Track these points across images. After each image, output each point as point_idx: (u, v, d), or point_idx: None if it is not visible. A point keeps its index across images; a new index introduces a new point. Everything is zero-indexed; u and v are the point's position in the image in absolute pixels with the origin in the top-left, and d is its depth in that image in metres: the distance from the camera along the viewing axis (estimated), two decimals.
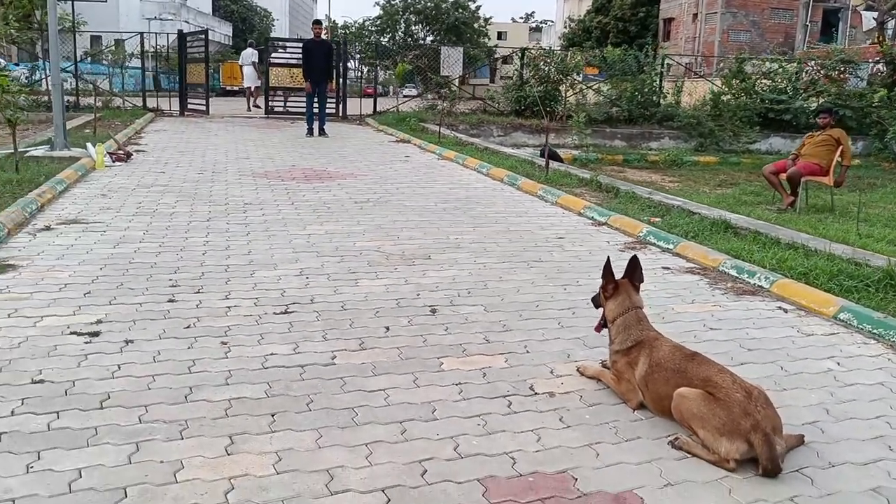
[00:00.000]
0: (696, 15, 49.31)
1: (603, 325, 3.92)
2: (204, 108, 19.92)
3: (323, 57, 15.70)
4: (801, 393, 3.88)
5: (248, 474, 2.87)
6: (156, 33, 24.35)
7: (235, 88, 35.94)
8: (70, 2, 14.84)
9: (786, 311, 5.27)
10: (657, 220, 7.94)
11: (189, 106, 20.24)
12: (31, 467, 2.84)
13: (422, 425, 3.33)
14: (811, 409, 3.70)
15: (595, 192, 9.81)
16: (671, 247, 6.91)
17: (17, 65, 20.12)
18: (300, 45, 18.04)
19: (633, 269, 3.86)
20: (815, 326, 4.97)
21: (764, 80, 22.09)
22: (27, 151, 10.15)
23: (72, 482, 2.76)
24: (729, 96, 20.99)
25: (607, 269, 3.88)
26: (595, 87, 21.31)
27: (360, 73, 29.30)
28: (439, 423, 3.37)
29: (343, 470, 2.93)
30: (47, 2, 10.99)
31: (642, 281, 3.90)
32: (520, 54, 21.35)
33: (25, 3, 15.96)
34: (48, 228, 6.57)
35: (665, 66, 22.55)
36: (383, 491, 2.81)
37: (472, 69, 26.37)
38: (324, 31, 16.41)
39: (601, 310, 3.94)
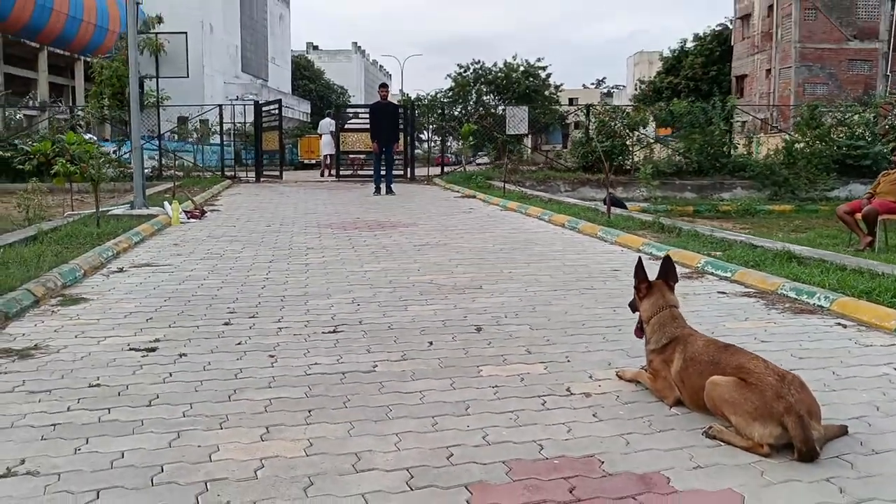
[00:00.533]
0: (769, 70, 48.88)
1: (641, 328, 3.90)
2: (278, 174, 20.75)
3: (389, 118, 16.25)
4: (851, 393, 3.76)
5: (279, 456, 2.97)
6: (233, 103, 25.65)
7: (313, 161, 37.33)
8: (155, 79, 15.74)
9: (845, 326, 5.11)
10: (717, 253, 7.82)
11: (264, 173, 21.14)
12: (79, 450, 3.01)
13: (453, 419, 3.38)
14: (860, 406, 3.57)
15: (657, 233, 9.74)
16: (729, 275, 6.79)
17: (107, 141, 21.51)
18: (367, 109, 18.73)
19: (667, 269, 3.86)
20: (875, 338, 4.80)
21: (840, 128, 21.65)
22: (108, 210, 10.79)
23: (113, 461, 2.91)
24: (802, 144, 20.61)
25: (640, 270, 3.89)
26: (662, 141, 21.26)
27: (431, 144, 29.88)
28: (471, 417, 3.41)
29: (371, 454, 3.00)
30: (129, 77, 11.82)
31: (676, 281, 3.89)
32: (585, 111, 21.54)
33: (115, 81, 17.14)
34: (121, 270, 6.95)
35: (733, 115, 22.36)
36: (407, 470, 2.85)
37: (542, 132, 26.69)
38: (390, 95, 16.98)
39: (638, 314, 3.94)
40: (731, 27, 53.46)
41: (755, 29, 50.28)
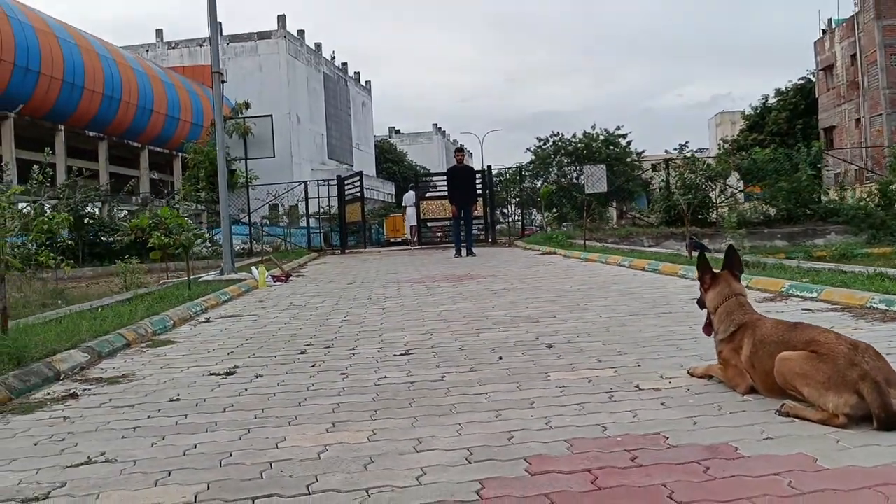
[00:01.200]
0: (858, 120, 47.48)
1: (709, 323, 3.82)
2: (363, 244, 21.35)
3: (466, 180, 16.55)
4: None
5: (343, 443, 3.02)
6: (318, 180, 26.61)
7: (399, 240, 38.15)
8: (244, 160, 16.57)
9: None
10: (805, 280, 7.56)
11: (349, 243, 21.79)
12: (155, 444, 3.14)
13: (517, 412, 3.36)
14: None
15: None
16: (815, 295, 6.56)
17: (201, 223, 22.68)
18: (444, 175, 19.16)
19: (732, 259, 3.80)
20: None
21: None
22: (199, 277, 11.29)
23: (186, 451, 3.02)
24: None
25: (702, 261, 3.84)
26: (749, 197, 20.82)
27: (513, 217, 29.87)
28: (535, 409, 3.39)
29: (432, 439, 3.02)
30: (217, 148, 12.53)
31: (742, 271, 3.82)
32: (665, 164, 21.39)
33: (207, 164, 18.13)
34: (208, 321, 7.25)
35: (821, 160, 21.73)
36: (467, 449, 2.85)
37: (626, 199, 26.40)
38: (466, 157, 17.32)
39: (706, 310, 3.86)
40: (813, 80, 52.40)
41: (840, 79, 49.15)
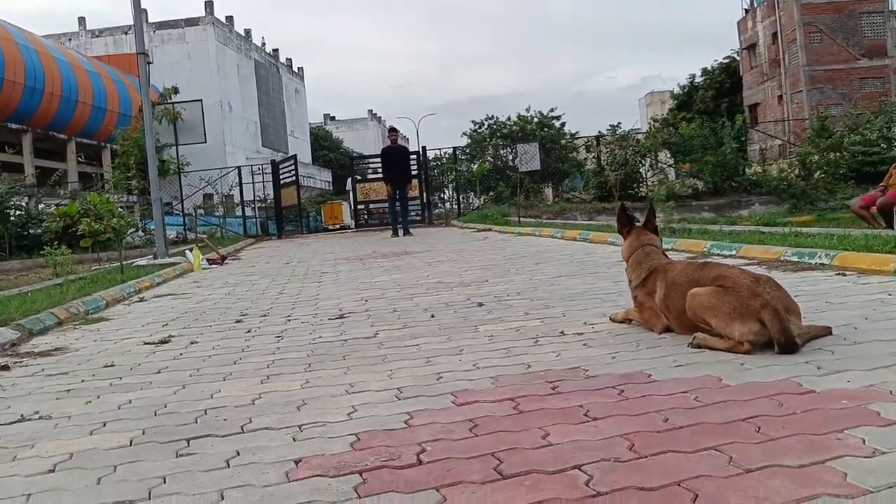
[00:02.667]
0: (780, 97, 49.05)
1: None
2: (299, 230, 21.25)
3: (400, 161, 16.63)
4: (842, 311, 3.81)
5: (277, 391, 3.10)
6: (251, 164, 26.26)
7: (337, 227, 37.95)
8: (175, 147, 16.31)
9: (844, 275, 5.15)
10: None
11: (287, 230, 21.64)
12: (89, 402, 3.17)
13: (447, 358, 3.49)
14: (850, 318, 3.63)
15: (668, 235, 9.80)
16: (734, 252, 6.87)
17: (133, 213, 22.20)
18: (379, 156, 19.16)
19: (649, 215, 4.05)
20: (873, 279, 4.85)
21: (853, 136, 21.61)
22: (133, 262, 11.12)
23: (121, 405, 3.06)
24: (817, 156, 20.58)
25: (622, 215, 4.07)
26: (671, 164, 21.38)
27: (451, 203, 29.87)
28: (464, 355, 3.52)
29: (364, 383, 3.12)
30: (146, 140, 12.35)
31: (656, 226, 4.06)
32: (594, 141, 21.81)
33: (136, 151, 17.76)
34: (142, 300, 7.19)
35: (745, 134, 22.44)
36: (397, 389, 2.97)
37: (562, 180, 26.66)
38: (400, 138, 17.37)
39: None
40: (738, 59, 53.87)
41: (762, 57, 50.65)
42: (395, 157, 16.61)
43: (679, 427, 2.23)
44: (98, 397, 3.25)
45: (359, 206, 23.02)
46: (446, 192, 30.28)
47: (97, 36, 48.00)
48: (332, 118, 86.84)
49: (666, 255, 3.94)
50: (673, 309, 3.53)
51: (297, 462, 2.18)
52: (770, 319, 3.01)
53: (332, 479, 2.02)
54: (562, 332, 3.87)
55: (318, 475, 2.06)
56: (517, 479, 1.93)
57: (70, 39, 46.85)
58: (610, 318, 4.08)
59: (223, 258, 11.74)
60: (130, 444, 2.51)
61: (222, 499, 1.95)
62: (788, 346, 2.98)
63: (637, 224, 4.04)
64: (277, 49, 59.67)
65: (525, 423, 2.39)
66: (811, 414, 2.27)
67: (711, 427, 2.21)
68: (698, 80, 55.02)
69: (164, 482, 2.11)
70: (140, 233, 18.24)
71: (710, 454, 2.00)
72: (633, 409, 2.45)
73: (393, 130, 17.20)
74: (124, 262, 10.40)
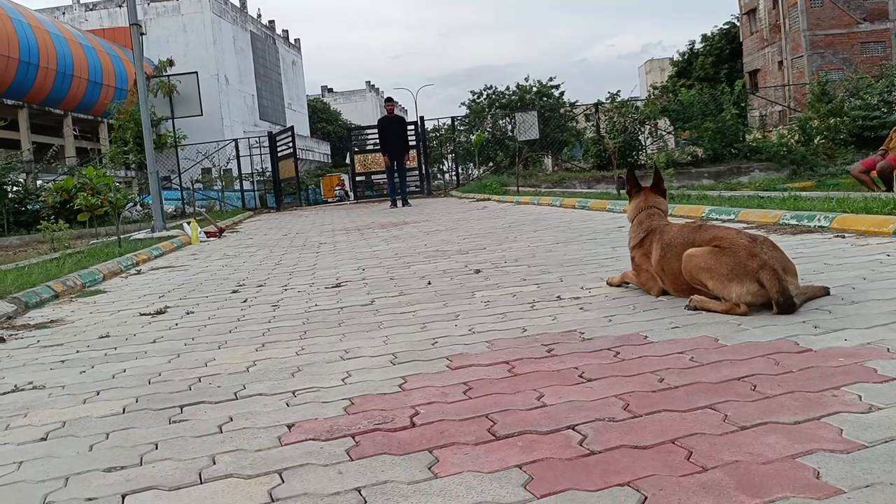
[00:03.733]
0: (781, 62, 48.65)
1: None
2: (298, 203, 21.19)
3: (398, 131, 16.51)
4: (841, 273, 3.78)
5: (272, 358, 3.09)
6: (248, 136, 26.08)
7: (336, 199, 37.84)
8: (170, 120, 16.20)
9: (844, 237, 5.12)
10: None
11: (285, 201, 21.58)
12: (84, 372, 3.16)
13: (442, 323, 3.47)
14: (848, 278, 3.61)
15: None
16: (732, 217, 6.83)
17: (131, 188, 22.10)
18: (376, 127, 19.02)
19: (657, 179, 4.01)
20: (871, 240, 4.82)
21: (853, 100, 21.46)
22: (130, 236, 11.10)
23: (115, 374, 3.05)
24: (817, 121, 20.45)
25: (631, 178, 4.04)
26: (670, 131, 21.24)
27: (450, 174, 29.71)
28: (460, 320, 3.50)
29: (359, 349, 3.10)
30: (141, 113, 12.24)
31: (665, 190, 4.01)
32: (593, 109, 21.65)
33: (133, 125, 17.62)
34: (139, 273, 7.17)
35: (745, 100, 22.27)
36: (392, 354, 2.95)
37: (561, 149, 26.44)
38: (396, 108, 17.24)
39: None
40: (738, 24, 53.37)
41: (762, 22, 50.18)
42: (393, 127, 16.49)
43: (674, 387, 2.22)
44: (92, 367, 3.23)
45: (357, 178, 22.92)
46: (445, 162, 30.12)
47: (91, 9, 47.50)
48: (330, 90, 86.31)
49: (664, 219, 3.90)
50: (668, 271, 3.50)
51: (289, 427, 2.17)
52: (768, 280, 2.98)
53: (324, 443, 2.01)
54: (558, 297, 3.85)
55: (310, 439, 2.05)
56: (511, 440, 1.91)
57: (63, 13, 46.41)
58: (606, 282, 4.05)
59: (221, 231, 11.70)
60: (123, 412, 2.50)
61: (214, 463, 1.94)
62: (787, 306, 2.96)
63: (644, 187, 3.99)
64: (273, 20, 59.13)
65: (520, 386, 2.38)
66: (807, 372, 2.25)
67: (707, 386, 2.19)
68: (698, 46, 54.63)
69: (156, 448, 2.10)
70: (138, 207, 18.18)
71: (704, 413, 1.98)
72: (629, 371, 2.44)
73: (389, 100, 17.07)
74: (122, 237, 10.37)
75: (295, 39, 64.96)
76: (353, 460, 1.87)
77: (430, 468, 1.78)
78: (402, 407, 2.26)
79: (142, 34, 12.38)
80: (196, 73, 16.49)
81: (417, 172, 21.26)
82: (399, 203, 16.33)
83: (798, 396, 2.03)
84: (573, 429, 1.95)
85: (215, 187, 27.90)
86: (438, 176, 28.10)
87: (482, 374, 2.54)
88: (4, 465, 2.07)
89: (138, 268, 7.62)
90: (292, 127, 22.86)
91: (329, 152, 61.76)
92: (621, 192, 11.10)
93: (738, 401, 2.04)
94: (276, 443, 2.05)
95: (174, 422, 2.34)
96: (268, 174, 25.38)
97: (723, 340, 2.70)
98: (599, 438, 1.87)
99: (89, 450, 2.14)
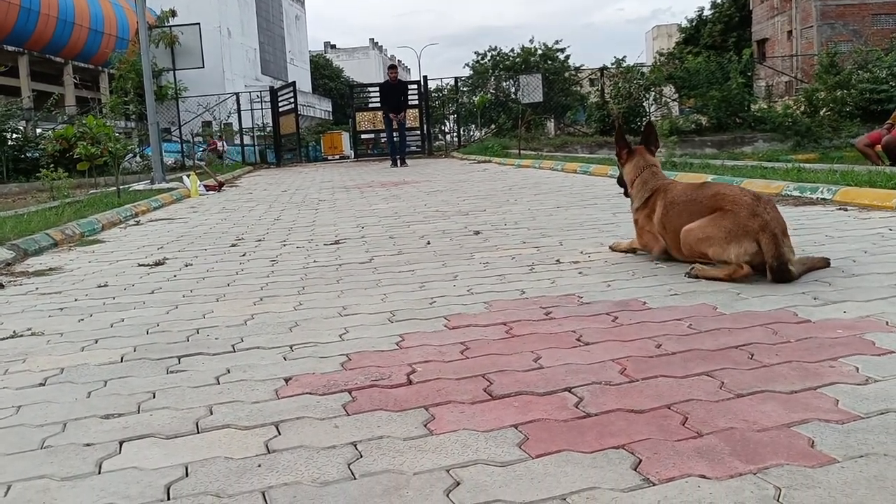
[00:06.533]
0: (790, 32, 48.12)
1: (627, 193, 3.94)
2: (299, 160, 21.10)
3: (399, 94, 16.45)
4: (843, 245, 3.77)
5: (269, 312, 3.09)
6: (249, 91, 25.87)
7: (337, 157, 37.66)
8: (172, 71, 16.04)
9: (846, 210, 5.10)
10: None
11: (285, 157, 21.50)
12: (82, 320, 3.16)
13: (440, 283, 3.47)
14: (850, 251, 3.60)
15: (669, 169, 9.71)
16: None
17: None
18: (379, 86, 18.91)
19: (648, 135, 3.92)
20: (874, 214, 4.81)
21: (861, 73, 21.24)
22: (129, 187, 11.06)
23: (113, 324, 3.05)
24: (824, 93, 20.27)
25: (620, 137, 3.96)
26: (675, 98, 21.07)
27: (452, 135, 29.54)
28: (458, 281, 3.50)
29: (357, 306, 3.10)
30: (143, 63, 12.10)
31: (658, 146, 3.95)
32: (599, 73, 21.45)
33: (133, 75, 17.43)
34: (138, 223, 7.16)
35: (752, 68, 22.06)
36: (390, 312, 2.95)
37: (564, 113, 26.22)
38: (400, 68, 17.12)
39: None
40: None
41: None
42: (394, 91, 16.44)
43: (672, 353, 2.22)
44: (90, 315, 3.24)
45: (362, 136, 22.85)
46: (447, 123, 29.88)
47: None
48: (333, 46, 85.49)
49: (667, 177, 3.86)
50: (670, 229, 3.47)
51: (286, 380, 2.18)
52: (767, 242, 2.97)
53: (320, 397, 2.02)
54: (558, 261, 3.84)
55: (307, 393, 2.06)
56: (507, 400, 1.92)
57: None
58: (611, 248, 4.03)
59: (221, 185, 11.65)
60: (121, 361, 2.50)
61: (210, 413, 1.95)
62: (781, 271, 2.95)
63: (636, 146, 3.93)
64: None
65: (517, 347, 2.38)
66: (805, 342, 2.25)
67: (704, 353, 2.20)
68: (707, 13, 53.96)
69: (154, 397, 2.10)
70: (138, 158, 18.08)
71: (701, 379, 1.98)
72: (626, 335, 2.44)
73: (393, 68, 16.95)
74: (121, 187, 10.33)
75: None
76: (349, 415, 1.88)
77: (425, 425, 1.78)
78: (398, 364, 2.26)
79: None
80: (198, 24, 16.28)
81: (419, 132, 21.12)
82: (399, 162, 16.27)
83: (795, 366, 2.04)
84: (569, 391, 1.95)
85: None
86: (440, 136, 27.90)
87: (480, 335, 2.55)
88: (4, 409, 2.08)
89: (137, 219, 7.60)
90: (294, 82, 22.68)
91: (330, 109, 61.28)
92: None
93: (734, 369, 2.04)
94: (272, 395, 2.05)
95: (172, 372, 2.34)
96: (268, 129, 25.21)
97: (721, 309, 2.70)
98: (595, 401, 1.87)
99: (87, 396, 2.15)
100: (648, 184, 3.70)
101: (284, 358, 2.41)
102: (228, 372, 2.29)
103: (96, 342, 2.77)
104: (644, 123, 20.23)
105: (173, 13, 18.11)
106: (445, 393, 1.99)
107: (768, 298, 2.79)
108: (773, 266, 2.94)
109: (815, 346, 2.21)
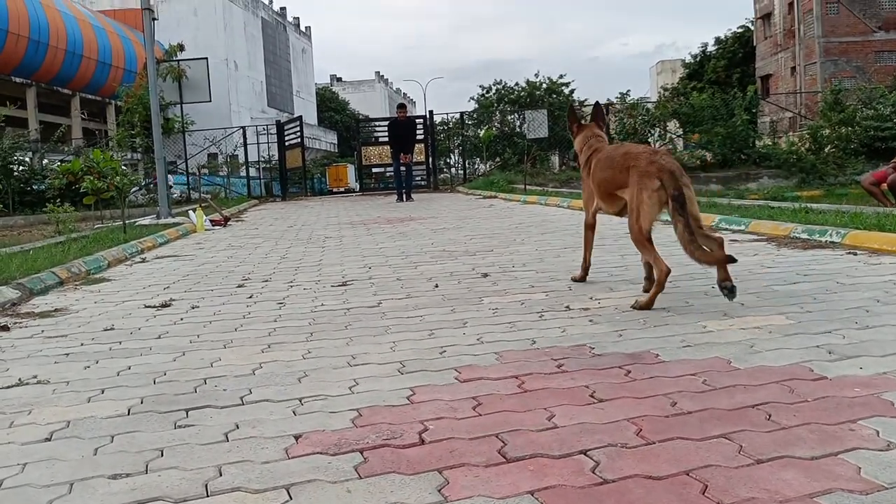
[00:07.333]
0: (794, 68, 48.42)
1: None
2: (304, 193, 21.18)
3: (407, 131, 16.60)
4: (854, 294, 3.73)
5: (278, 361, 3.06)
6: (256, 125, 26.04)
7: (342, 190, 37.80)
8: (179, 104, 16.17)
9: (856, 254, 5.07)
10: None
11: (290, 190, 21.60)
12: (88, 367, 3.13)
13: (450, 330, 3.44)
14: (863, 300, 3.56)
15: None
16: (743, 227, 6.79)
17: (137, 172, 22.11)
18: (386, 122, 19.07)
19: (597, 113, 4.56)
20: (884, 258, 4.77)
21: (865, 110, 21.34)
22: (135, 221, 11.08)
23: (120, 372, 3.02)
24: (828, 130, 20.34)
25: (571, 113, 4.65)
26: (680, 134, 21.16)
27: (457, 168, 29.62)
28: (468, 328, 3.47)
29: (366, 355, 3.08)
30: (150, 97, 12.19)
31: (605, 123, 4.61)
32: (605, 110, 21.54)
33: (141, 109, 17.59)
34: (144, 261, 7.15)
35: (756, 105, 22.16)
36: (400, 362, 2.92)
37: (569, 148, 26.30)
38: (407, 103, 17.29)
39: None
40: (752, 28, 53.09)
41: (777, 27, 49.93)
42: (403, 127, 16.58)
43: (688, 412, 2.19)
44: (97, 362, 3.21)
45: (372, 171, 23.09)
46: (452, 157, 29.98)
47: None
48: (339, 79, 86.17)
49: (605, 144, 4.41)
50: (595, 180, 4.11)
51: (296, 437, 2.14)
52: (666, 178, 3.56)
53: (332, 457, 1.98)
54: (567, 307, 3.82)
55: (318, 452, 2.02)
56: (522, 463, 1.88)
57: None
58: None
59: (227, 220, 11.67)
60: (128, 413, 2.47)
61: (220, 475, 1.91)
62: (680, 199, 3.51)
63: (586, 123, 4.47)
64: (285, 7, 58.99)
65: (530, 403, 2.35)
66: (823, 402, 2.21)
67: (721, 413, 2.16)
68: (711, 49, 54.35)
69: (162, 455, 2.07)
70: (143, 191, 18.16)
71: (719, 442, 1.95)
72: (641, 391, 2.40)
73: (402, 107, 17.08)
74: (127, 221, 10.36)
75: (306, 27, 64.82)
76: (361, 478, 1.85)
77: (439, 490, 1.75)
78: (410, 421, 2.23)
79: (153, 19, 12.34)
80: (206, 59, 16.44)
81: (424, 167, 21.21)
82: (405, 197, 16.32)
83: (814, 428, 2.00)
84: (585, 454, 1.92)
85: (220, 173, 27.88)
86: (445, 169, 28.00)
87: (491, 389, 2.51)
88: (9, 467, 2.04)
89: (143, 255, 7.60)
90: (300, 117, 22.81)
91: (336, 142, 61.61)
92: None
93: (753, 431, 2.01)
94: (283, 455, 2.02)
95: (180, 427, 2.31)
96: (274, 162, 25.33)
97: (735, 363, 2.67)
98: (612, 466, 1.84)
99: (94, 453, 2.11)
100: (591, 147, 4.30)
101: (294, 412, 2.38)
102: (237, 427, 2.26)
103: (103, 392, 2.74)
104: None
105: (181, 47, 18.31)
106: (459, 454, 1.96)
107: (783, 352, 2.76)
108: (674, 195, 3.52)
109: (833, 406, 2.18)
